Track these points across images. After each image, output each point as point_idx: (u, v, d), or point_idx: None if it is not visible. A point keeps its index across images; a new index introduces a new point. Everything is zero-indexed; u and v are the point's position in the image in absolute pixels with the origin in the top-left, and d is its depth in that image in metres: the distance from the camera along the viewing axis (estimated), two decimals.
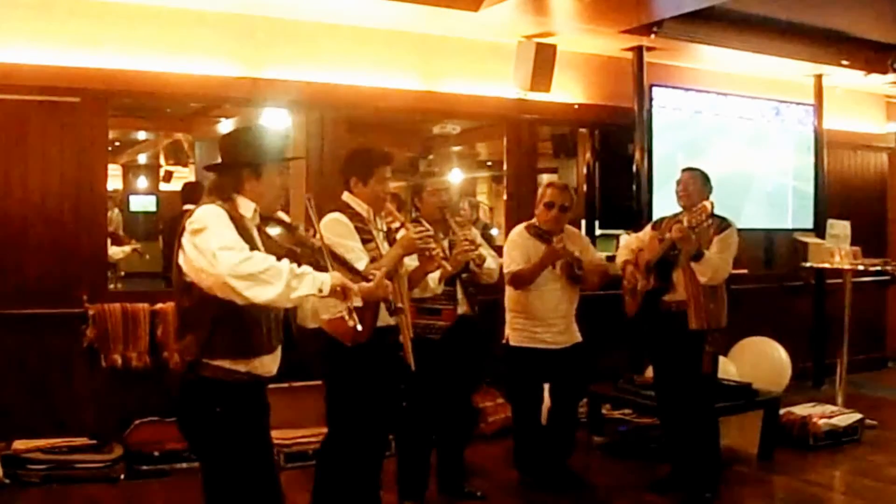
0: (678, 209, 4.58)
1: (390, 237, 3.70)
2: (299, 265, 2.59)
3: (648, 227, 4.78)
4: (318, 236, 2.88)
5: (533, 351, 4.60)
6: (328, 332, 3.53)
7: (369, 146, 3.95)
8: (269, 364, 2.79)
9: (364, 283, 2.91)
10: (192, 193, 6.86)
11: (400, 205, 3.83)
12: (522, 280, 4.57)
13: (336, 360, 3.60)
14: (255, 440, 2.79)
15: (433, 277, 3.89)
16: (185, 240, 2.62)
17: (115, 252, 6.60)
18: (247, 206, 2.75)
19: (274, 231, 2.80)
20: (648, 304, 4.56)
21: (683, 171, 4.62)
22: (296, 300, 2.57)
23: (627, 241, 4.90)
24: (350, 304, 2.62)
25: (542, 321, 4.59)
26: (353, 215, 3.67)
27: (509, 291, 4.68)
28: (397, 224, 3.71)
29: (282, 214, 2.94)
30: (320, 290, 2.56)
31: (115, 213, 6.83)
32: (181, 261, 2.64)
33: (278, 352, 2.83)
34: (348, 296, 2.62)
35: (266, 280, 2.48)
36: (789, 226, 7.40)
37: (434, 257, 3.64)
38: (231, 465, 2.71)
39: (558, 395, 4.72)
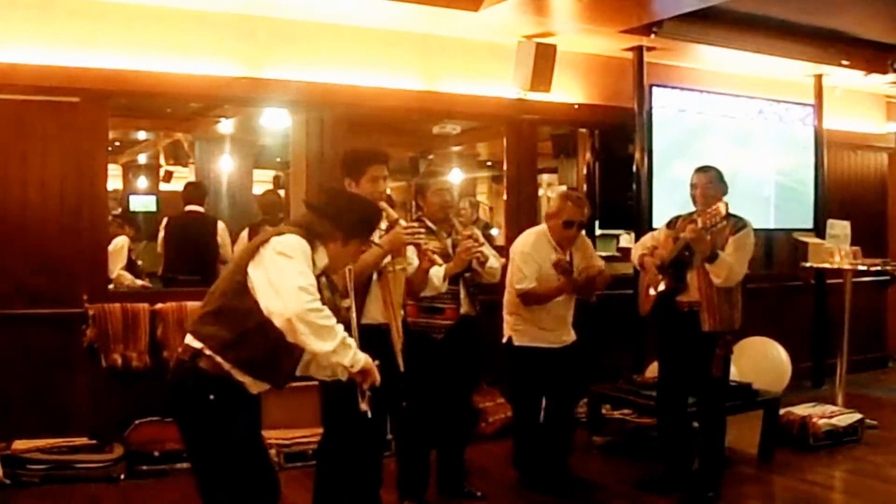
0: (682, 208, 4.56)
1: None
2: None
3: (663, 226, 4.75)
4: (350, 306, 3.04)
5: (537, 350, 4.59)
6: None
7: (364, 146, 3.95)
8: (260, 388, 2.85)
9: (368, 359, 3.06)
10: (194, 193, 6.83)
11: (391, 204, 3.83)
12: (536, 300, 4.51)
13: None
14: (246, 431, 2.83)
15: (437, 276, 3.88)
16: (268, 254, 2.70)
17: (125, 278, 6.58)
18: (321, 259, 2.86)
19: (325, 284, 2.93)
20: (662, 303, 4.55)
21: (697, 171, 4.54)
22: (330, 362, 2.73)
23: (643, 240, 4.88)
24: (366, 386, 2.81)
25: (543, 322, 4.58)
26: None
27: (509, 296, 4.64)
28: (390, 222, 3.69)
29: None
30: (351, 366, 2.72)
31: (124, 242, 6.68)
32: (251, 269, 2.71)
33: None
34: (367, 379, 2.78)
35: (321, 335, 2.63)
36: (789, 226, 7.40)
37: (425, 253, 3.63)
38: (223, 454, 2.76)
39: (557, 394, 4.70)
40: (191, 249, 6.45)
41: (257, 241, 2.78)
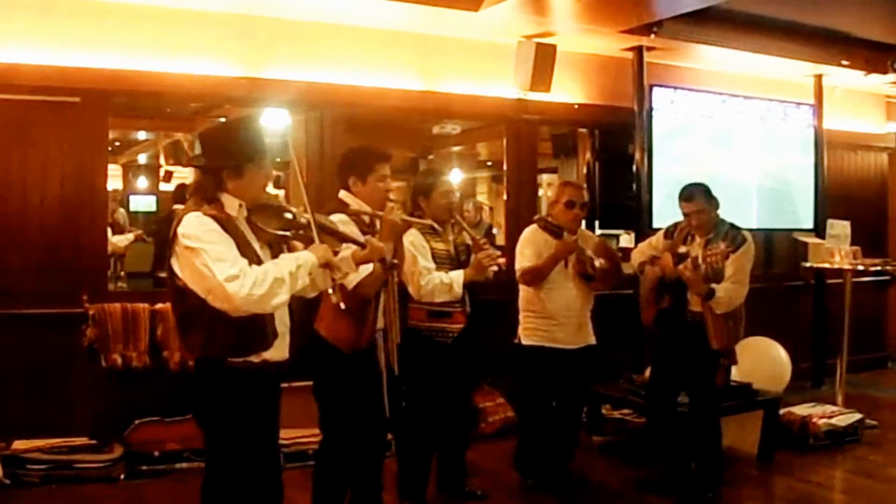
0: (679, 206, 4.55)
1: None
2: (288, 249, 2.81)
3: (661, 234, 4.73)
4: (305, 211, 2.89)
5: (545, 350, 4.54)
6: (327, 339, 3.52)
7: (367, 145, 3.95)
8: (279, 350, 2.84)
9: (357, 249, 3.02)
10: (179, 193, 6.95)
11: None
12: (535, 275, 4.49)
13: (327, 363, 3.59)
14: (264, 433, 2.86)
15: (458, 282, 3.91)
16: (180, 250, 2.64)
17: (120, 240, 6.58)
18: (232, 205, 2.77)
19: (262, 218, 2.83)
20: (665, 315, 4.55)
21: (682, 199, 4.47)
22: (298, 291, 2.74)
23: (641, 247, 4.87)
24: (336, 277, 2.79)
25: (555, 320, 4.54)
26: (354, 214, 3.66)
27: (523, 291, 4.63)
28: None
29: (269, 198, 2.98)
30: (311, 274, 2.72)
31: (119, 213, 6.96)
32: (175, 267, 2.67)
33: (285, 337, 2.87)
34: (333, 269, 2.77)
35: (274, 293, 2.61)
36: (790, 226, 7.40)
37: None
38: (237, 456, 2.77)
39: (566, 396, 4.67)
40: None
41: (170, 240, 2.69)
